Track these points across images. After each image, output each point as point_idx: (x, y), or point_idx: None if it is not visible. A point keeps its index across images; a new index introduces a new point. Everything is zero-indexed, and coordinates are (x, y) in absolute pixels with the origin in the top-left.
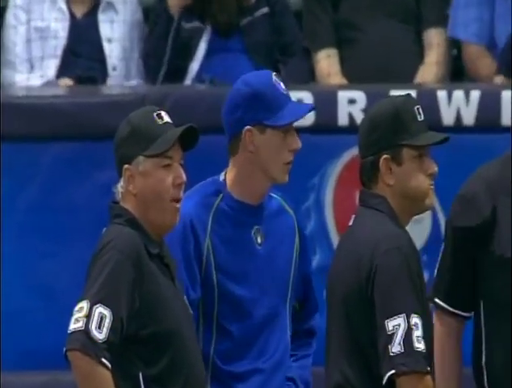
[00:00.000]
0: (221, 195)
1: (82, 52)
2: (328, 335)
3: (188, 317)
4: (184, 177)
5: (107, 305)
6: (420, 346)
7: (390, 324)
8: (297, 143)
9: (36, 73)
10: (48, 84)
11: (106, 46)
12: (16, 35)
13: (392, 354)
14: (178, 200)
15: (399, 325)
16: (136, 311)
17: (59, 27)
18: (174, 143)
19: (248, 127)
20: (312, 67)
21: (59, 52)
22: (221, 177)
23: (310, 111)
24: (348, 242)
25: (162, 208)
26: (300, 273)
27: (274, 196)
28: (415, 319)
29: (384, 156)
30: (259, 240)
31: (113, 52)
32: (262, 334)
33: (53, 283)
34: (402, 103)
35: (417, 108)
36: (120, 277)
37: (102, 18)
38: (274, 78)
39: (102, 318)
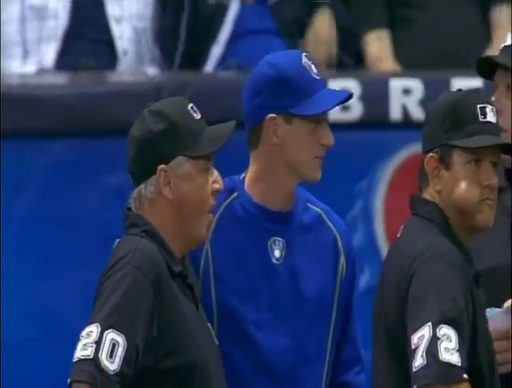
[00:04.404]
0: (235, 193)
1: (86, 35)
2: (372, 373)
3: (213, 347)
4: (222, 183)
5: (120, 330)
6: (450, 357)
7: (415, 337)
8: (329, 138)
9: (32, 59)
10: (45, 72)
11: (114, 27)
12: (7, 13)
13: (414, 369)
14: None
15: (423, 336)
16: (153, 340)
17: (59, 5)
18: (224, 143)
19: (271, 115)
20: (359, 51)
21: (59, 34)
22: (242, 175)
23: (347, 99)
24: (391, 257)
25: (200, 219)
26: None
27: (314, 207)
28: (445, 330)
29: (430, 154)
30: (277, 254)
31: (123, 33)
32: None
33: (53, 309)
34: (462, 98)
35: (482, 107)
36: (137, 298)
37: None
38: (304, 59)
39: (114, 346)
